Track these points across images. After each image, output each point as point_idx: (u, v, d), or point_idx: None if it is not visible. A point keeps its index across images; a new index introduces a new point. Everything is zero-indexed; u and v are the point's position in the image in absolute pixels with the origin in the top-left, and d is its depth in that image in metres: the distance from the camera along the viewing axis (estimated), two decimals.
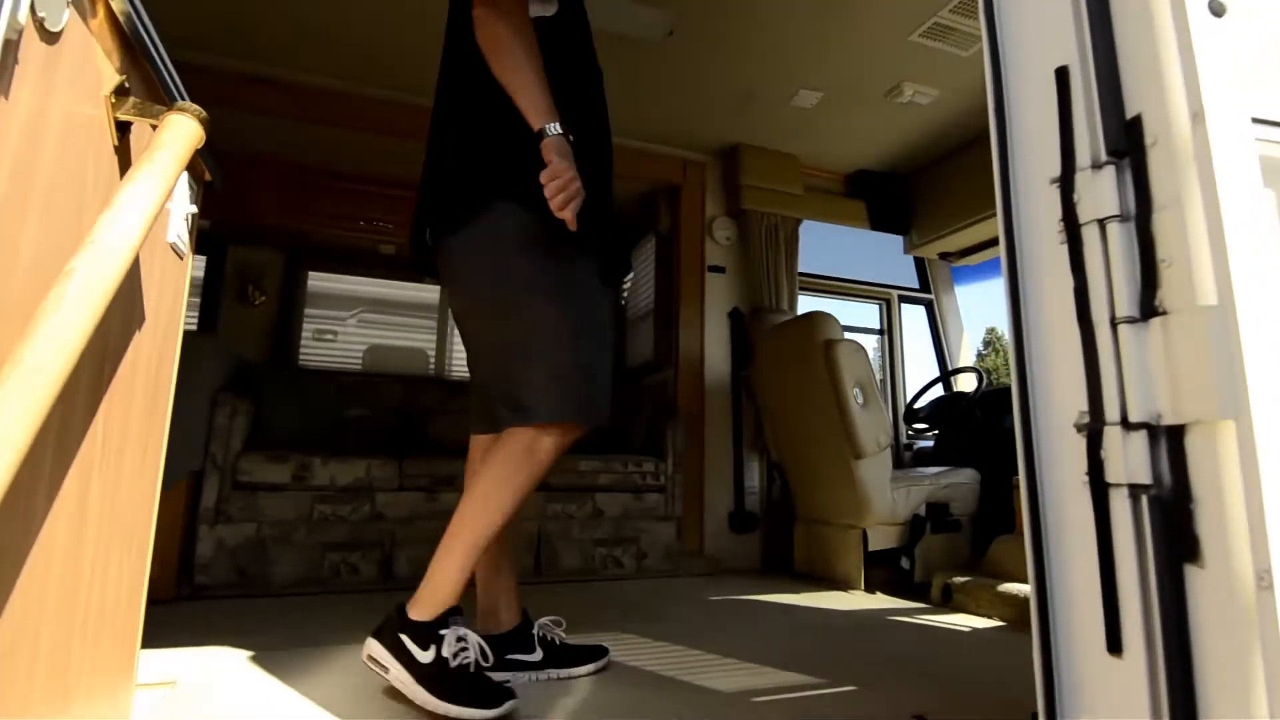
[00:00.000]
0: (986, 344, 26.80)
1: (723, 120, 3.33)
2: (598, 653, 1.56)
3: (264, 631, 1.87)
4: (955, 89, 2.99)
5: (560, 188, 1.26)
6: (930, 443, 3.37)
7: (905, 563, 2.66)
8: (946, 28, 2.57)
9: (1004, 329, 0.79)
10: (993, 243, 3.53)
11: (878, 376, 3.85)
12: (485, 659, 1.31)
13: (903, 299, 4.05)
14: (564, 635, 1.58)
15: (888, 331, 3.98)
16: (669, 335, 3.51)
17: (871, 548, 2.68)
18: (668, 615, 2.20)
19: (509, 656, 1.49)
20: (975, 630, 2.13)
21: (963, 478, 2.86)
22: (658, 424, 3.19)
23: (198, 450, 2.36)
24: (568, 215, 1.27)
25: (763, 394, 3.14)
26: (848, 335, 2.76)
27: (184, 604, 2.27)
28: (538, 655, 1.51)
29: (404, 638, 1.29)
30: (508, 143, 1.36)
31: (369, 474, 2.57)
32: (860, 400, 2.64)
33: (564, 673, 1.50)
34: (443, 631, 1.29)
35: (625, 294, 4.10)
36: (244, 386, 2.61)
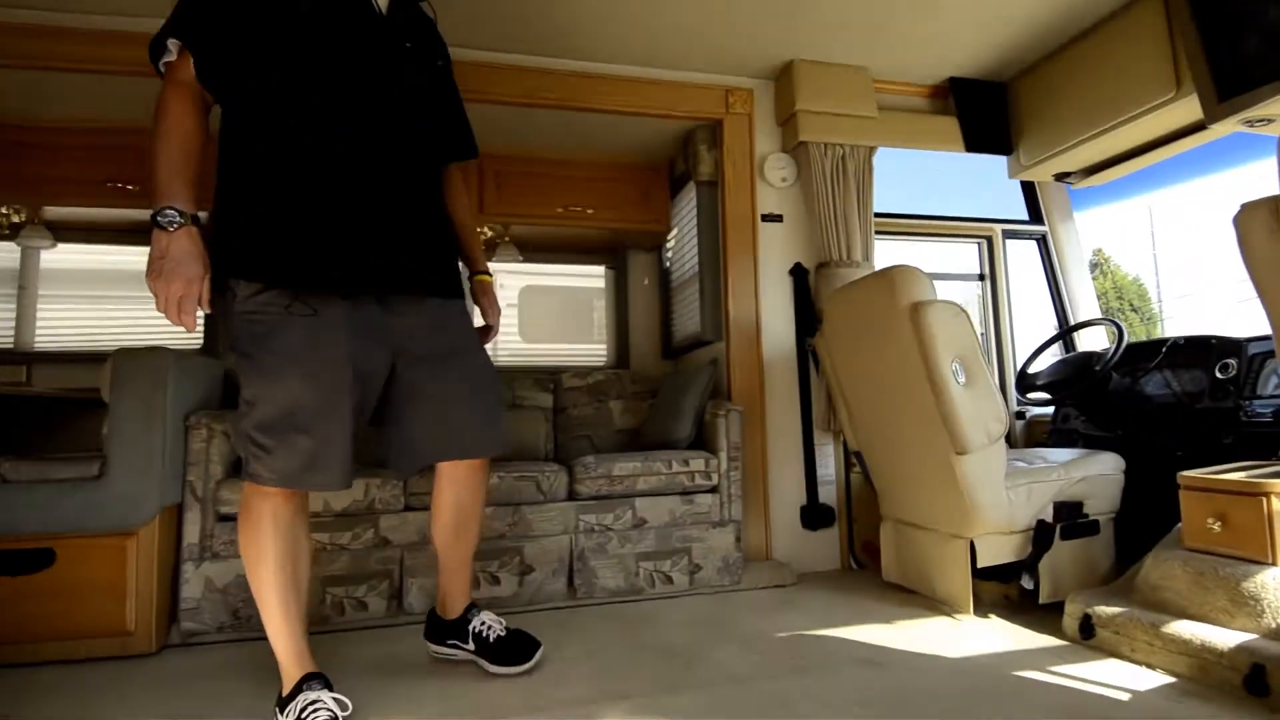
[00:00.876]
0: (1093, 267, 24.08)
1: (771, 31, 2.69)
2: (527, 650, 1.72)
3: (266, 683, 1.57)
4: None
5: (161, 307, 1.26)
6: (1049, 414, 2.72)
7: (1028, 581, 2.09)
8: None
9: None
10: (1130, 155, 2.75)
11: (982, 337, 3.19)
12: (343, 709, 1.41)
13: (1008, 235, 3.31)
14: (500, 630, 1.73)
15: (990, 277, 3.27)
16: (718, 302, 2.97)
17: (982, 564, 2.12)
18: (708, 668, 1.75)
19: (449, 641, 1.78)
20: (1136, 694, 1.56)
21: (1101, 465, 2.23)
22: (706, 411, 2.70)
23: (173, 481, 2.07)
24: (186, 323, 1.27)
25: (834, 368, 2.58)
26: (941, 293, 2.15)
27: (174, 654, 2.01)
28: (470, 646, 1.74)
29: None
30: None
31: (368, 495, 2.22)
32: (962, 379, 2.05)
33: (492, 668, 1.71)
34: (294, 700, 1.39)
35: (669, 258, 3.56)
36: (224, 405, 2.29)
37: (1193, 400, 2.38)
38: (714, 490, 2.54)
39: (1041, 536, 2.10)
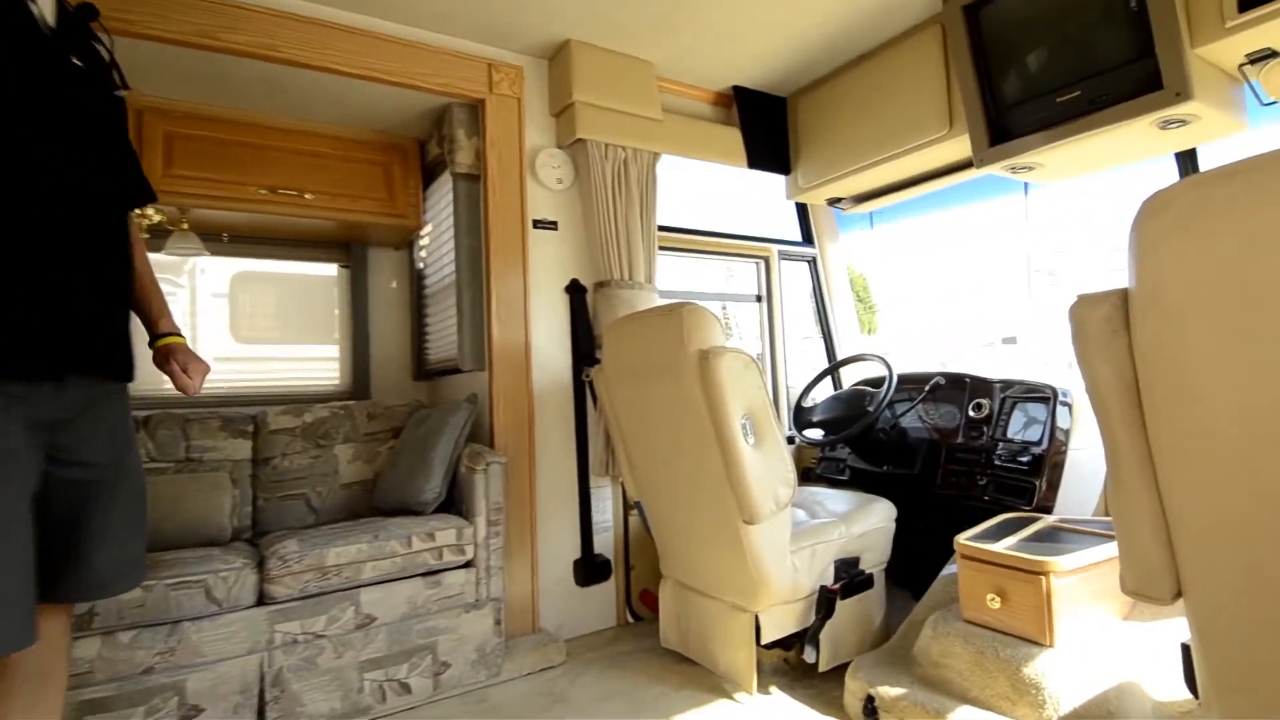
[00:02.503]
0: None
1: (546, 1, 2.22)
2: None
3: None
4: None
5: None
6: (820, 438, 2.64)
7: (810, 654, 1.93)
8: None
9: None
10: (903, 186, 2.76)
11: (759, 358, 3.07)
12: None
13: (784, 256, 3.24)
14: None
15: (766, 299, 3.17)
16: (479, 323, 2.46)
17: (767, 639, 1.91)
18: None
19: None
20: None
21: (878, 517, 2.15)
22: (461, 464, 2.19)
23: None
24: None
25: (613, 407, 2.23)
26: (723, 316, 1.88)
27: None
28: None
29: None
30: None
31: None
32: (751, 439, 1.79)
33: None
34: None
35: (423, 263, 2.95)
36: None
37: (947, 437, 2.43)
38: (469, 565, 2.05)
39: (825, 604, 1.95)
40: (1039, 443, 2.14)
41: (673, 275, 3.02)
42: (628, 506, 2.60)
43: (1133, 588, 1.02)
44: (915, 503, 2.46)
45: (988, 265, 3.25)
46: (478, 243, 2.47)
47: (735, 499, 1.79)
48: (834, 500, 2.26)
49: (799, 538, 1.95)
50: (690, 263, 3.09)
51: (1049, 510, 2.06)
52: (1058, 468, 2.08)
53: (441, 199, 2.67)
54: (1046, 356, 2.98)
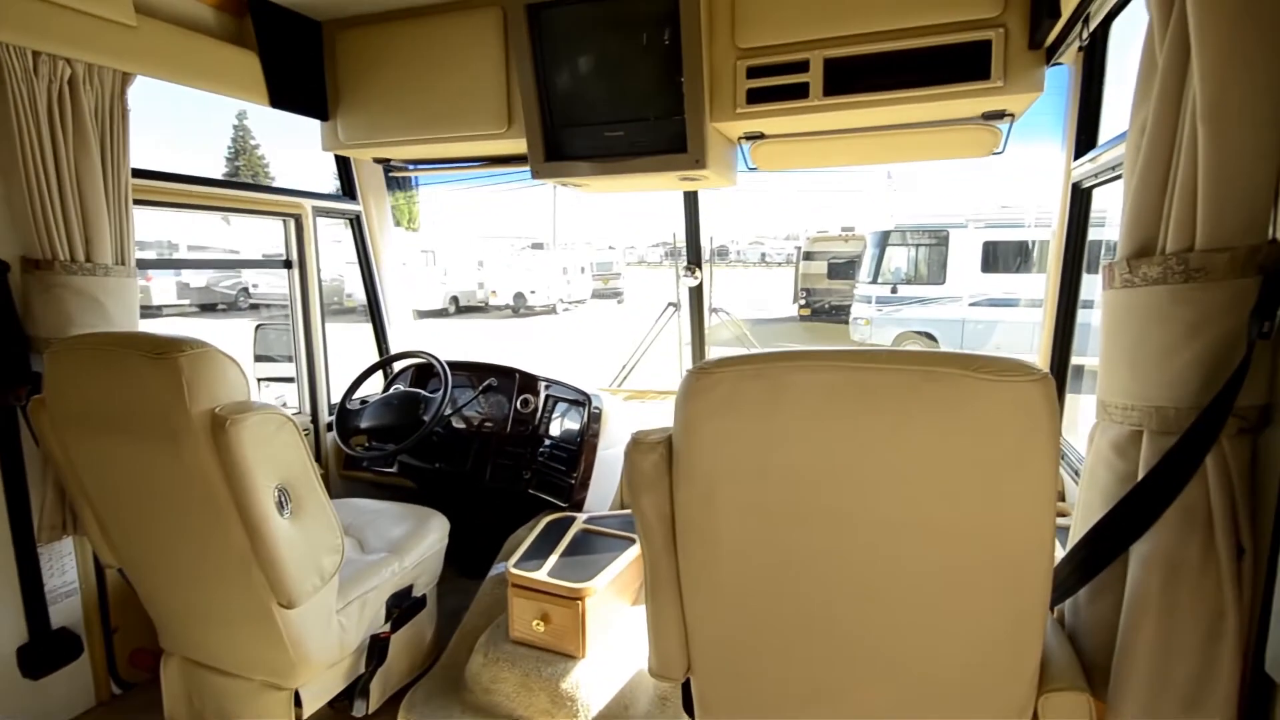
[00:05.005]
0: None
1: None
2: None
3: None
4: None
5: None
6: (369, 451, 2.44)
7: (360, 708, 1.81)
8: None
9: None
10: (456, 162, 2.59)
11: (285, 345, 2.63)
12: None
13: (320, 213, 2.75)
14: None
15: (299, 263, 2.66)
16: None
17: (309, 712, 1.71)
18: None
19: None
20: None
21: (432, 538, 2.09)
22: None
23: None
24: None
25: (65, 452, 1.60)
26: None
27: None
28: None
29: None
30: None
31: None
32: (287, 510, 1.50)
33: None
34: None
35: None
36: None
37: (497, 428, 2.50)
38: None
39: (378, 652, 1.83)
40: (574, 442, 2.36)
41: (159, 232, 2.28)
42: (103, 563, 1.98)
43: (656, 670, 1.19)
44: (467, 498, 2.50)
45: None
46: None
47: (266, 580, 1.49)
48: (385, 520, 2.12)
49: (348, 588, 1.76)
50: (193, 219, 2.38)
51: (582, 505, 2.32)
52: (589, 466, 2.34)
53: None
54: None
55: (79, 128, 1.78)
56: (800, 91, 1.89)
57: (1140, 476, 0.93)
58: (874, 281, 10.21)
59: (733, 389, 0.94)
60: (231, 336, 2.18)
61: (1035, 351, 2.26)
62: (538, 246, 21.85)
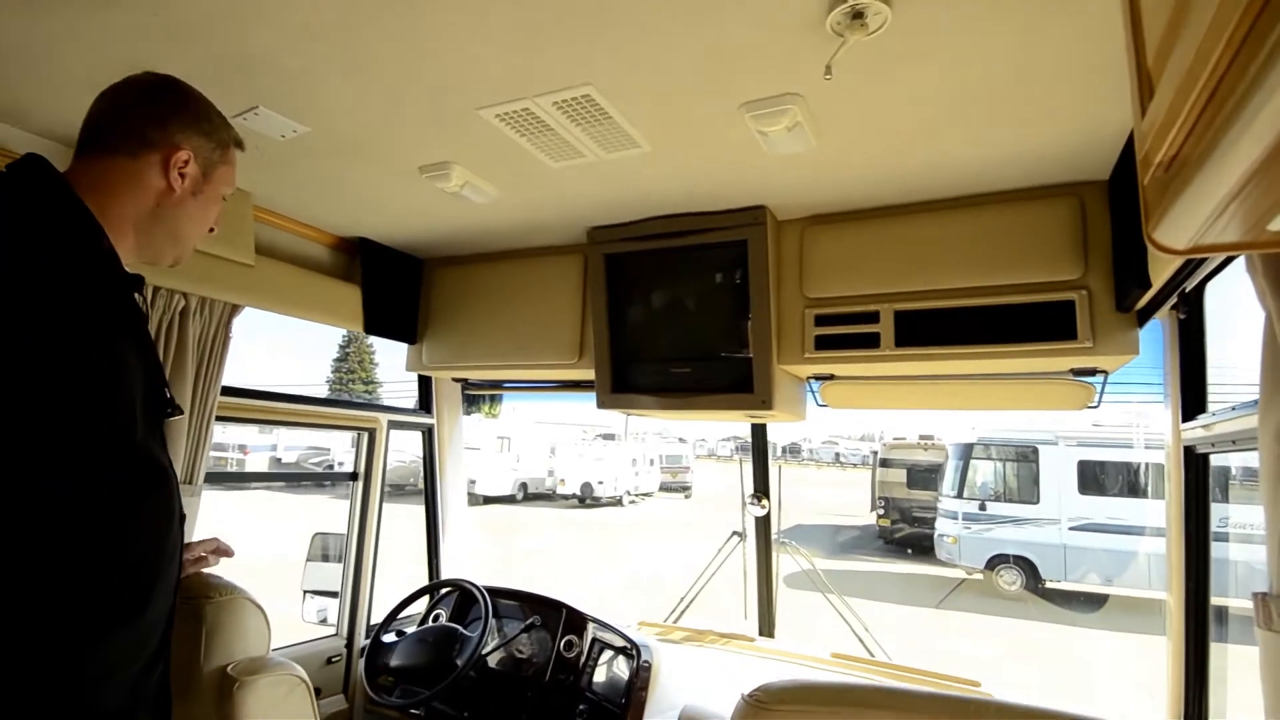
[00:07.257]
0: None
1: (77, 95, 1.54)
2: None
3: None
4: (525, 199, 1.96)
5: None
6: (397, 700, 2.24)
7: None
8: (538, 121, 1.49)
9: None
10: (530, 386, 2.64)
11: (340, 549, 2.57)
12: None
13: (394, 426, 2.83)
14: None
15: (365, 476, 2.68)
16: None
17: None
18: None
19: None
20: None
21: None
22: None
23: None
24: None
25: None
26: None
27: None
28: None
29: None
30: None
31: None
32: None
33: None
34: None
35: None
36: None
37: (536, 675, 2.26)
38: None
39: None
40: (619, 702, 2.09)
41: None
42: None
43: None
44: None
45: None
46: None
47: None
48: None
49: None
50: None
51: None
52: None
53: None
54: None
55: (179, 354, 1.91)
56: (871, 341, 1.85)
57: None
58: (959, 496, 9.61)
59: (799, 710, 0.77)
60: (305, 512, 2.13)
61: (1162, 585, 1.92)
62: (608, 437, 22.16)
